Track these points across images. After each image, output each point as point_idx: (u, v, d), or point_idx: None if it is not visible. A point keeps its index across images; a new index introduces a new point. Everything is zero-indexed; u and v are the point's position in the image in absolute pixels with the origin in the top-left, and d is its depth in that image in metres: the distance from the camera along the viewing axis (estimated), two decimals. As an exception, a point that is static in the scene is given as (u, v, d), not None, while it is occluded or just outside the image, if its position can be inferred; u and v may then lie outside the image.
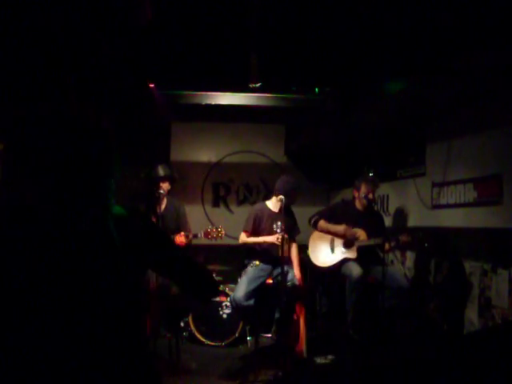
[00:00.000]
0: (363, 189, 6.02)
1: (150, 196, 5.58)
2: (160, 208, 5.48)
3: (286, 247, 5.66)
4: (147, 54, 5.18)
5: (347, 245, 5.97)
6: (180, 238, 5.52)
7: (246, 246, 6.14)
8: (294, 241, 6.17)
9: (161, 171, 5.62)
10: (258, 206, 6.42)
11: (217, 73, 5.41)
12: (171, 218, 5.74)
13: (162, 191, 5.49)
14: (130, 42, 4.93)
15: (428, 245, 5.64)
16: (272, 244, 5.83)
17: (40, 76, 4.92)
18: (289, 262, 6.00)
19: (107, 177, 1.92)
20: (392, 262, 6.58)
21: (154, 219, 5.49)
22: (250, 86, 5.43)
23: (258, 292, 5.76)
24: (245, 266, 6.10)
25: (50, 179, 1.80)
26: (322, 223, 6.14)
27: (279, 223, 5.90)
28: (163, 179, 5.61)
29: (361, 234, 5.95)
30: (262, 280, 5.87)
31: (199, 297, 2.41)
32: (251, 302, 5.64)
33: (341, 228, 5.99)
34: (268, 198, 8.32)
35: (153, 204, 5.45)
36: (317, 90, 5.86)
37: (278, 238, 5.68)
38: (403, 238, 5.64)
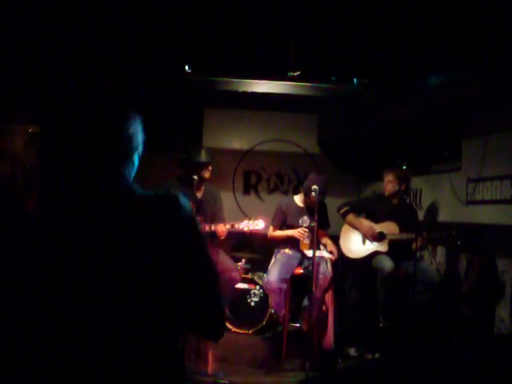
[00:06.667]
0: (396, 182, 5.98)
1: (187, 181, 5.54)
2: (199, 193, 5.46)
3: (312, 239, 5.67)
4: (185, 39, 5.18)
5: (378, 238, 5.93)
6: (222, 228, 5.52)
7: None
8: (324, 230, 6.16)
9: (203, 157, 5.57)
10: (284, 200, 6.49)
11: (255, 60, 5.39)
12: (208, 205, 5.75)
13: (195, 177, 5.45)
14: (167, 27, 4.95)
15: (461, 242, 5.58)
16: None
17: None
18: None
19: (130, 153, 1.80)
20: (422, 256, 6.52)
21: (192, 204, 5.49)
22: (289, 74, 5.41)
23: (289, 281, 5.75)
24: (275, 254, 6.11)
25: (75, 161, 1.73)
26: (349, 217, 6.12)
27: (305, 217, 5.91)
28: (206, 165, 5.56)
29: (391, 227, 5.90)
30: (293, 267, 5.87)
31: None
32: (284, 285, 5.66)
33: (365, 226, 5.96)
34: (298, 188, 8.36)
35: (191, 189, 5.42)
36: (355, 80, 5.81)
37: (299, 232, 5.80)
38: (436, 234, 5.59)
